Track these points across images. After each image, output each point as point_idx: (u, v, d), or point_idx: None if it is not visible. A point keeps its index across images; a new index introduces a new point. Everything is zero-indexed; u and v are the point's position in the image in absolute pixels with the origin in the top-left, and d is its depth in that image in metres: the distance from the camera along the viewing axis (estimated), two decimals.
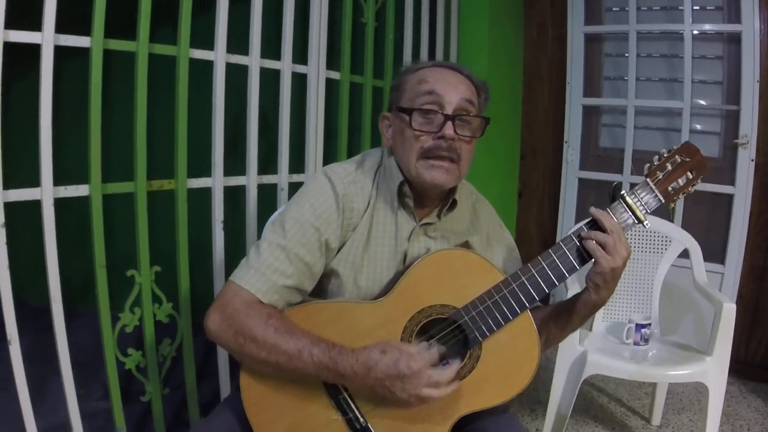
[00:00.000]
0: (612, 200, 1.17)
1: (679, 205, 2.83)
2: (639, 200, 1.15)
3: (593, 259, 1.13)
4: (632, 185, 1.17)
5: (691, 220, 2.83)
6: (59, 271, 1.47)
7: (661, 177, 1.16)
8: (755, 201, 2.70)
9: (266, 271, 1.13)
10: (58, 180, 1.46)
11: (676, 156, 1.17)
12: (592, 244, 1.11)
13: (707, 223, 2.84)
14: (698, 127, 2.86)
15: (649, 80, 2.97)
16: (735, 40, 2.70)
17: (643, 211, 1.15)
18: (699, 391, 1.89)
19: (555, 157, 3.22)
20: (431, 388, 1.06)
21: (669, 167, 1.16)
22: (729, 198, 2.75)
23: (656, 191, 1.16)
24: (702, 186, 2.74)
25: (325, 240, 1.17)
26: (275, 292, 1.13)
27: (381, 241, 1.23)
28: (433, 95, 1.17)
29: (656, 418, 2.37)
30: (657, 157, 1.18)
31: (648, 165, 1.18)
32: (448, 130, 1.15)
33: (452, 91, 1.17)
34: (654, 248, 2.28)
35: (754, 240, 2.72)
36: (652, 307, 2.26)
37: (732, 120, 2.75)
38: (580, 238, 1.14)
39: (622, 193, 1.15)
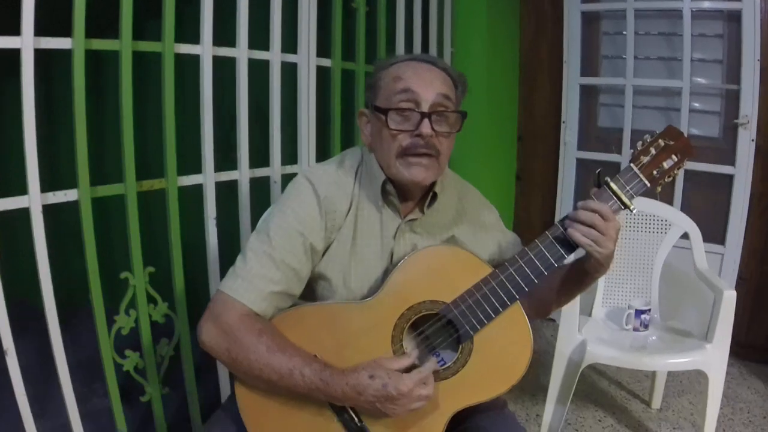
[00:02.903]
0: (597, 186, 1.17)
1: (679, 186, 2.80)
2: (624, 186, 1.15)
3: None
4: (616, 172, 1.17)
5: (691, 201, 2.81)
6: (60, 270, 1.45)
7: (645, 162, 1.16)
8: (756, 182, 2.66)
9: (254, 279, 1.13)
10: (55, 184, 1.44)
11: (660, 140, 1.17)
12: (582, 239, 1.10)
13: (707, 204, 2.80)
14: (697, 106, 2.81)
15: (647, 59, 2.91)
16: (735, 18, 2.63)
17: (629, 197, 1.15)
18: (700, 374, 1.89)
19: (553, 138, 3.17)
20: (420, 402, 1.07)
21: (653, 152, 1.16)
22: (729, 179, 2.72)
23: (641, 176, 1.15)
24: (702, 166, 2.75)
25: (310, 244, 1.18)
26: (264, 299, 1.13)
27: (367, 240, 1.23)
28: (408, 93, 1.15)
29: (657, 402, 2.38)
30: (640, 142, 1.17)
31: (632, 150, 1.18)
32: (426, 128, 1.13)
33: (428, 87, 1.15)
34: (654, 232, 2.26)
35: (755, 222, 2.70)
36: (651, 292, 2.25)
37: (732, 99, 2.70)
38: (566, 230, 1.13)
39: (606, 179, 1.15)
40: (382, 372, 1.06)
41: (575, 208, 1.14)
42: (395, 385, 1.04)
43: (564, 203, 3.16)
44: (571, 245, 1.14)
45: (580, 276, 1.23)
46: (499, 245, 1.35)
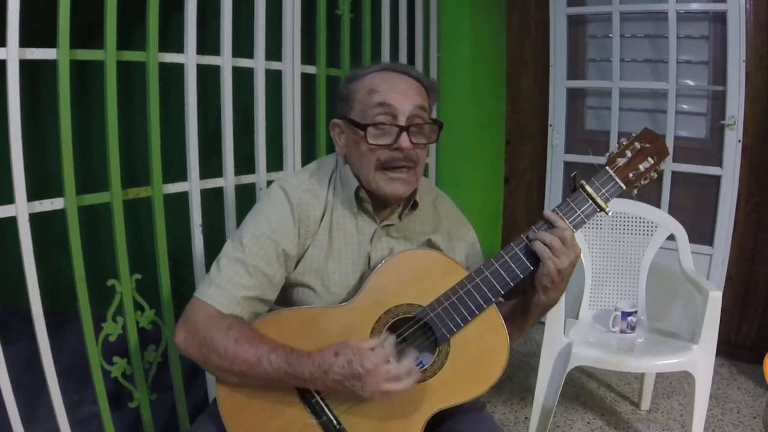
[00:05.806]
0: (572, 190, 1.19)
1: (666, 187, 2.81)
2: (599, 189, 1.17)
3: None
4: (591, 174, 1.19)
5: (678, 202, 2.82)
6: (46, 273, 1.46)
7: (620, 164, 1.19)
8: (743, 183, 2.67)
9: (227, 285, 1.16)
10: (41, 191, 1.45)
11: (636, 143, 1.20)
12: (539, 245, 1.13)
13: (695, 206, 2.82)
14: (684, 107, 2.82)
15: (633, 61, 2.92)
16: (720, 19, 2.65)
17: (604, 199, 1.17)
18: (688, 374, 1.90)
19: (541, 141, 3.19)
20: (392, 383, 1.06)
21: (629, 154, 1.19)
22: (717, 179, 2.73)
23: (616, 178, 1.18)
24: (689, 168, 2.76)
25: (283, 250, 1.19)
26: (237, 304, 1.16)
27: (343, 245, 1.25)
28: (385, 106, 1.16)
29: (645, 403, 2.38)
30: (617, 145, 1.20)
31: (608, 153, 1.21)
32: (405, 142, 1.15)
33: (404, 99, 1.16)
34: (640, 234, 2.27)
35: (743, 222, 2.70)
36: (638, 294, 2.26)
37: (718, 101, 2.71)
38: (529, 239, 1.16)
39: (581, 182, 1.17)
40: (347, 350, 1.06)
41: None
42: (360, 362, 1.04)
43: (552, 205, 3.12)
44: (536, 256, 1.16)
45: (531, 309, 1.23)
46: (468, 257, 1.37)
